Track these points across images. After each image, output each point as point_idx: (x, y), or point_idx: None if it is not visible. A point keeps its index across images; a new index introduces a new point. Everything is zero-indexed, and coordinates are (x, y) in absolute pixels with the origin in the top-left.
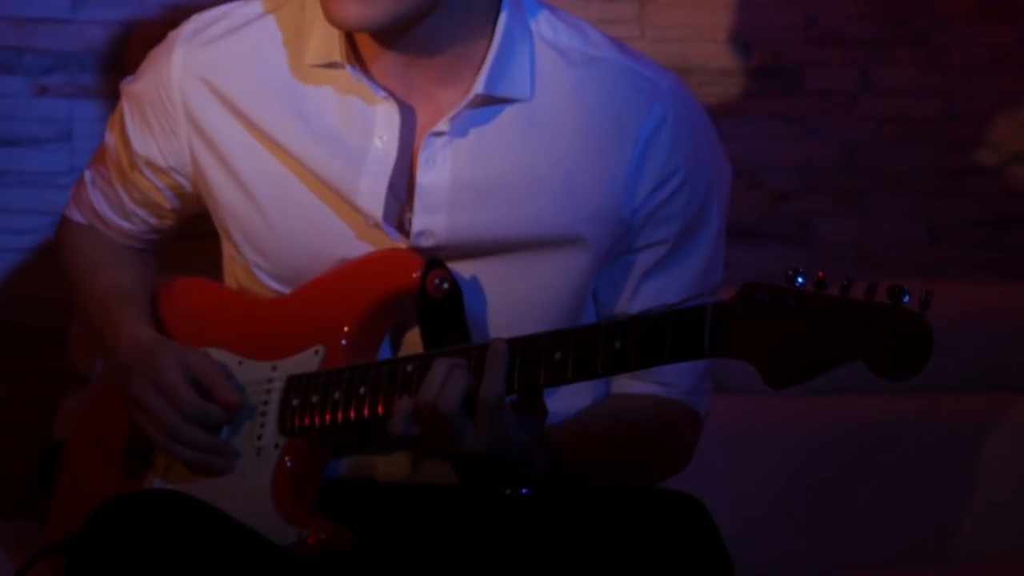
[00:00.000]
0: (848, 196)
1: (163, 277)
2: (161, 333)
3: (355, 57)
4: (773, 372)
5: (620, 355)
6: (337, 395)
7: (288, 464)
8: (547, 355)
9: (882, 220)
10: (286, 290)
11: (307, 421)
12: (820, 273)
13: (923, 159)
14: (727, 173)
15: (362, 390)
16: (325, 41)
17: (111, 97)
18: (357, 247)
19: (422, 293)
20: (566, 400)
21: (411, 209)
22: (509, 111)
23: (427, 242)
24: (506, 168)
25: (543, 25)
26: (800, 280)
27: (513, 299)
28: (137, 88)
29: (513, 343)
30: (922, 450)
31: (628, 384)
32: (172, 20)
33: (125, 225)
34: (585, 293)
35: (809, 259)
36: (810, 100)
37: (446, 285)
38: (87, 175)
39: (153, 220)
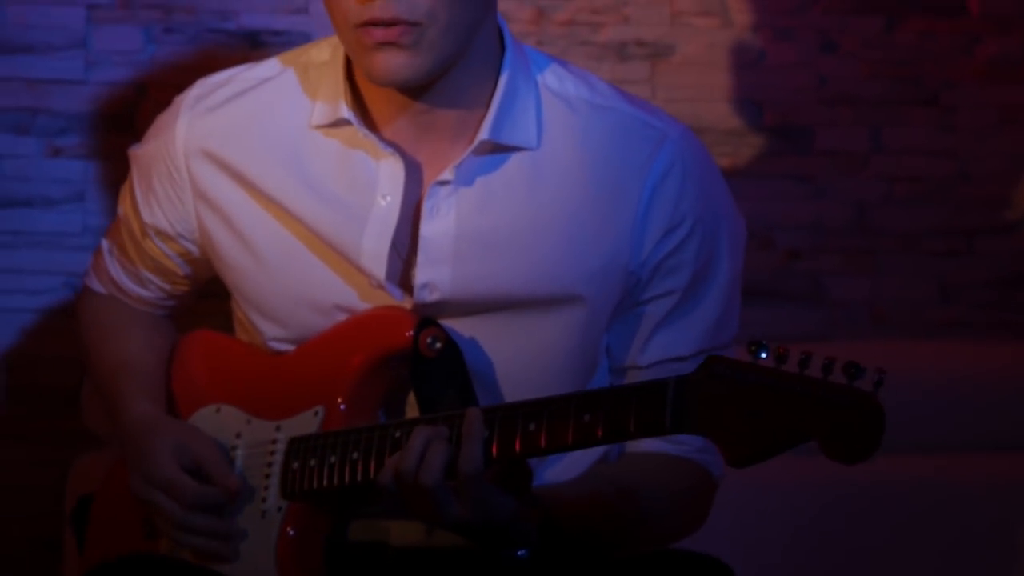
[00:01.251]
0: (860, 256)
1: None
2: (174, 389)
3: (362, 115)
4: (733, 451)
5: (588, 428)
6: (333, 459)
7: (290, 530)
8: (523, 425)
9: (894, 280)
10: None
11: (305, 485)
12: (781, 347)
13: (934, 219)
14: (739, 223)
15: (355, 455)
16: (331, 101)
17: (124, 158)
18: (361, 308)
19: (415, 352)
20: (576, 457)
21: (415, 264)
22: (515, 160)
23: (431, 296)
24: (511, 217)
25: (548, 76)
26: (763, 354)
27: (520, 356)
28: (143, 154)
29: (492, 412)
30: (932, 510)
31: (640, 441)
32: (185, 81)
33: (142, 293)
34: (594, 350)
35: (820, 319)
36: (821, 160)
37: (439, 344)
38: (104, 245)
39: (168, 287)
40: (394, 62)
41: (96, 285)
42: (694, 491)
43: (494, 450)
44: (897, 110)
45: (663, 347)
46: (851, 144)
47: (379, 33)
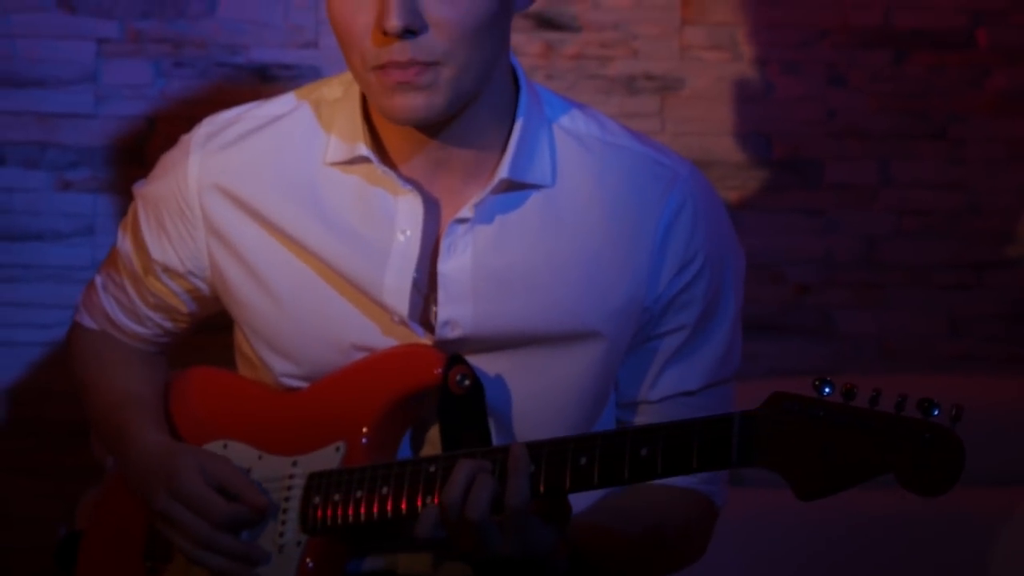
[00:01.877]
0: (869, 289)
1: (177, 368)
2: (176, 426)
3: (379, 152)
4: (803, 484)
5: (647, 462)
6: (359, 494)
7: (309, 563)
8: (573, 460)
9: (903, 313)
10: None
11: (328, 520)
12: (848, 383)
13: (944, 252)
14: (741, 258)
15: (384, 489)
16: (348, 138)
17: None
18: (382, 343)
19: (443, 389)
20: None
21: (435, 301)
22: (532, 198)
23: (453, 333)
24: (528, 254)
25: (560, 115)
26: (827, 390)
27: (537, 392)
28: (152, 192)
29: (538, 447)
30: (942, 544)
31: None
32: (195, 115)
33: (139, 330)
34: (608, 385)
35: (830, 353)
36: (830, 193)
37: (467, 381)
38: (98, 281)
39: (168, 324)
40: (412, 103)
41: (87, 321)
42: (702, 522)
43: (541, 485)
44: (906, 143)
45: (673, 382)
46: (860, 177)
47: (397, 74)
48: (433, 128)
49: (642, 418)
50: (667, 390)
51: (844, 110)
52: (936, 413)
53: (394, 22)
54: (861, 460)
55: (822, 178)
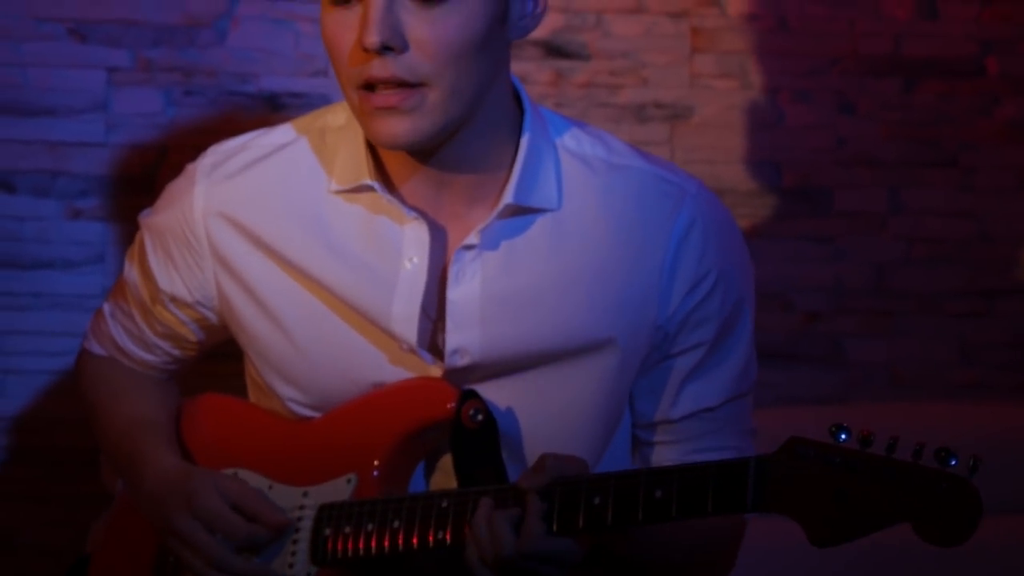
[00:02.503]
0: (879, 317)
1: (188, 396)
2: (186, 453)
3: (383, 180)
4: (817, 531)
5: (662, 504)
6: (371, 527)
7: None
8: (586, 499)
9: (913, 341)
10: (317, 416)
11: (339, 552)
12: (865, 430)
13: (954, 280)
14: (752, 270)
15: (396, 523)
16: (352, 166)
17: None
18: (391, 372)
19: (456, 424)
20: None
21: (443, 328)
22: (538, 222)
23: (462, 361)
24: (536, 277)
25: (566, 137)
26: (843, 436)
27: (550, 413)
28: (158, 222)
29: (550, 485)
30: (955, 573)
31: None
32: (206, 143)
33: (147, 357)
34: (621, 401)
35: (840, 381)
36: (840, 221)
37: (480, 416)
38: (106, 308)
39: (176, 352)
40: (397, 127)
41: (96, 348)
42: (735, 535)
43: (555, 524)
44: (916, 171)
45: (694, 399)
46: (870, 205)
47: (379, 99)
48: (426, 152)
49: (664, 437)
50: (688, 408)
51: (854, 138)
52: (954, 463)
53: (372, 38)
54: (877, 509)
55: (832, 206)
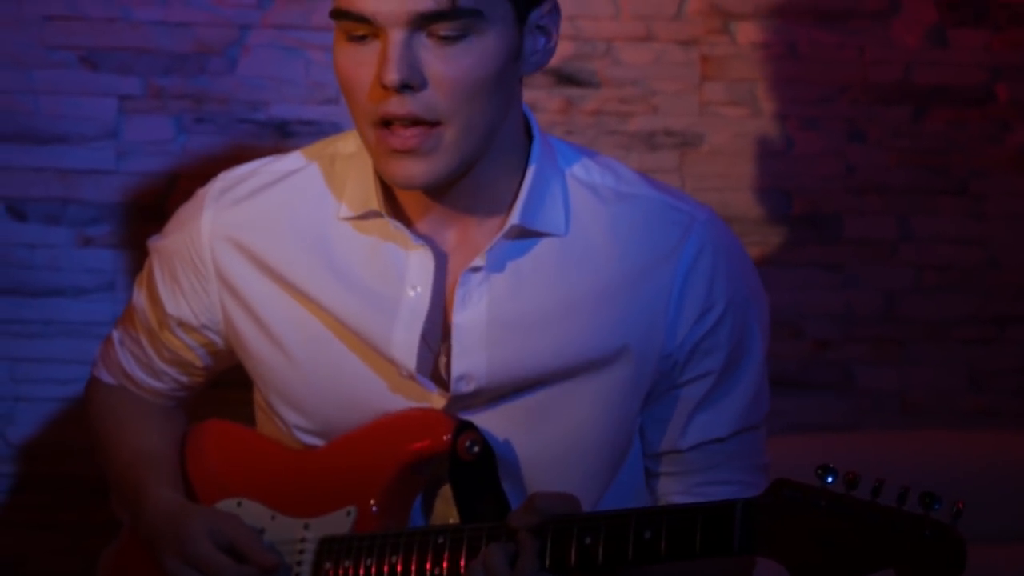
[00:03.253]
0: (889, 344)
1: (194, 421)
2: (190, 481)
3: (391, 206)
4: (801, 574)
5: (650, 545)
6: (369, 561)
7: None
8: (578, 538)
9: (923, 368)
10: (320, 443)
11: None
12: (851, 473)
13: (964, 307)
14: (765, 300)
15: (394, 558)
16: (360, 193)
17: None
18: (391, 399)
19: (452, 456)
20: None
21: (447, 353)
22: (544, 244)
23: (468, 387)
24: (543, 300)
25: (575, 165)
26: (830, 479)
27: (554, 436)
28: (166, 246)
29: (543, 524)
30: None
31: None
32: (217, 171)
33: (155, 384)
34: (630, 425)
35: (850, 408)
36: (850, 248)
37: (477, 448)
38: (115, 335)
39: (184, 378)
40: (413, 170)
41: (105, 376)
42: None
43: (547, 562)
44: (925, 198)
45: (702, 429)
46: (879, 232)
47: (396, 141)
48: (439, 189)
49: (671, 468)
50: (697, 438)
51: (863, 166)
52: (937, 508)
53: (392, 76)
54: (861, 553)
55: (841, 233)
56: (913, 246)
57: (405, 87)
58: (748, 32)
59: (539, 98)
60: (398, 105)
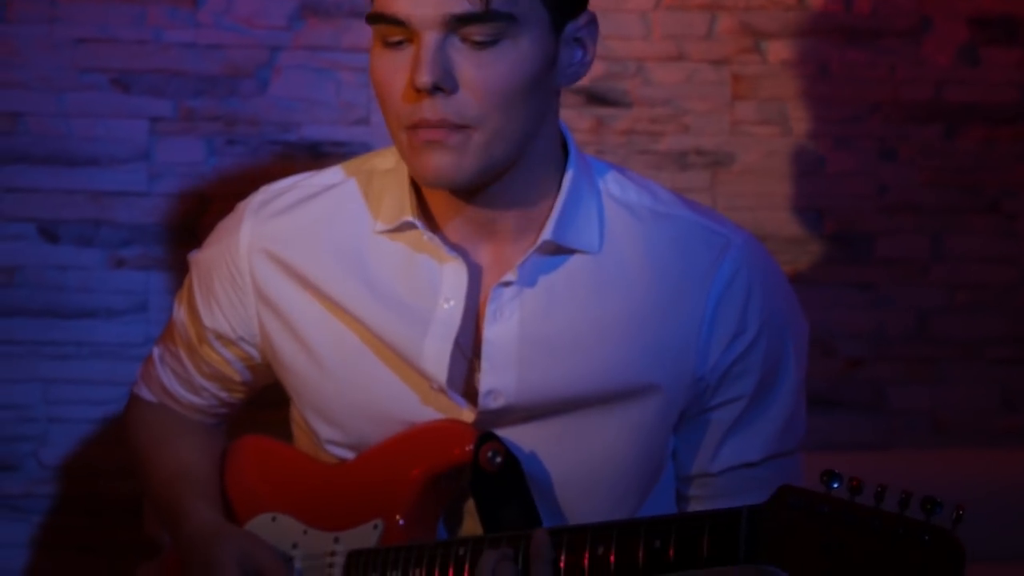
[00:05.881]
0: (921, 364)
1: (232, 437)
2: (227, 497)
3: (426, 218)
4: None
5: (660, 553)
6: (394, 574)
7: None
8: (591, 548)
9: (956, 388)
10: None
11: None
12: (855, 480)
13: (996, 326)
14: (803, 326)
15: (416, 571)
16: (396, 206)
17: (187, 269)
18: (421, 412)
19: (475, 467)
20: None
21: (478, 368)
22: (577, 261)
23: (496, 403)
24: (575, 320)
25: (611, 184)
26: (835, 484)
27: (583, 459)
28: (205, 258)
29: (558, 533)
30: None
31: None
32: (248, 192)
33: (195, 400)
34: (662, 451)
35: (882, 428)
36: (882, 268)
37: (499, 459)
38: (156, 352)
39: (224, 394)
40: (440, 161)
41: (146, 393)
42: None
43: (563, 570)
44: (958, 217)
45: (733, 453)
46: (912, 251)
47: (425, 133)
48: (470, 193)
49: (703, 491)
50: (728, 462)
51: (895, 184)
52: (940, 512)
53: (425, 78)
54: (863, 560)
55: (873, 252)
56: (945, 265)
57: (436, 89)
58: (779, 51)
59: (570, 117)
60: (429, 109)
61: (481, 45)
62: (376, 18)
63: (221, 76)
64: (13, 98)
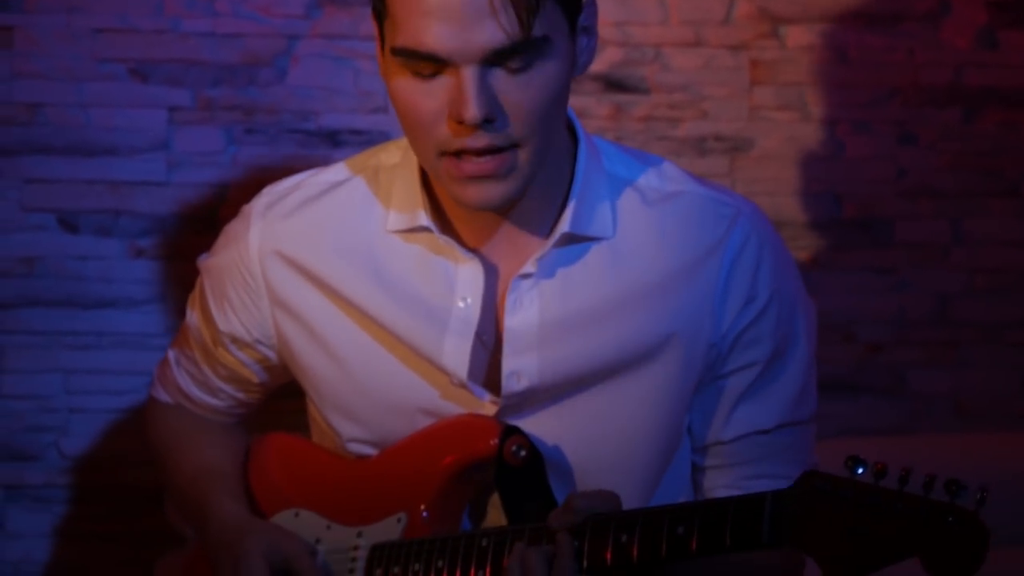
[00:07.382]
0: (942, 347)
1: (254, 432)
2: (252, 493)
3: (439, 218)
4: (831, 566)
5: (683, 540)
6: (417, 567)
7: None
8: (615, 537)
9: (976, 372)
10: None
11: None
12: (879, 464)
13: (1017, 310)
14: (810, 302)
15: (440, 563)
16: (407, 206)
17: None
18: (443, 407)
19: (499, 460)
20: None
21: (499, 358)
22: (593, 250)
23: (519, 385)
24: (593, 300)
25: (620, 167)
26: (860, 470)
27: (607, 433)
28: (215, 264)
29: (583, 524)
30: None
31: None
32: (267, 181)
33: (213, 402)
34: (678, 419)
35: (903, 412)
36: (902, 252)
37: (523, 452)
38: (171, 356)
39: (240, 395)
40: (489, 193)
41: (163, 395)
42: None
43: (584, 561)
44: (977, 201)
45: (746, 420)
46: (931, 236)
47: (471, 168)
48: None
49: (716, 460)
50: (741, 429)
51: (914, 169)
52: (964, 495)
53: (475, 113)
54: (888, 542)
55: (893, 237)
56: (965, 249)
57: (486, 122)
58: (797, 36)
59: (589, 104)
60: (475, 138)
61: (519, 71)
62: (410, 54)
63: (239, 65)
64: (32, 88)
